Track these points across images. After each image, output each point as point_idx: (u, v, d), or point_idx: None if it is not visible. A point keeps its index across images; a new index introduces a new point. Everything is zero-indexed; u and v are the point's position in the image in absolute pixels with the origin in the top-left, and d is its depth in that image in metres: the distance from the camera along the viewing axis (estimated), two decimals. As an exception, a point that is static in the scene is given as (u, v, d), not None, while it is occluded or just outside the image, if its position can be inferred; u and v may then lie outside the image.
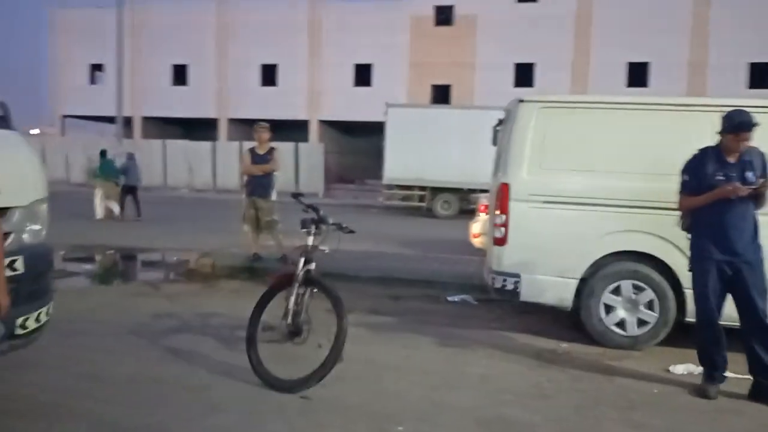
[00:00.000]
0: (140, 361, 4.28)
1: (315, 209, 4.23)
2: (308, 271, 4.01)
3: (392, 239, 11.33)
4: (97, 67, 33.72)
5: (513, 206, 5.11)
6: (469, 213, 14.47)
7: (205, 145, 28.75)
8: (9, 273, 2.85)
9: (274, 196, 7.98)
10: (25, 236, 3.20)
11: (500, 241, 5.19)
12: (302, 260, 4.03)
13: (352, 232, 4.24)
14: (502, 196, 5.16)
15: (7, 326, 2.94)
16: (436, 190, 19.10)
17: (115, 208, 13.90)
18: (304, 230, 4.16)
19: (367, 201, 23.41)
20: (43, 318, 3.28)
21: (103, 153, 14.66)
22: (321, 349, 3.83)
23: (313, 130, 30.85)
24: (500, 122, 6.00)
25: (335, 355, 3.73)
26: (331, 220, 4.20)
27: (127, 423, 3.25)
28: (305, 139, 29.49)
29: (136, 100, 31.58)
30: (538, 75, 27.82)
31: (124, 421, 3.27)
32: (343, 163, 31.36)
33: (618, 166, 4.96)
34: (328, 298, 3.87)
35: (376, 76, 29.87)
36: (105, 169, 14.27)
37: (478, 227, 8.22)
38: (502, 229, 5.15)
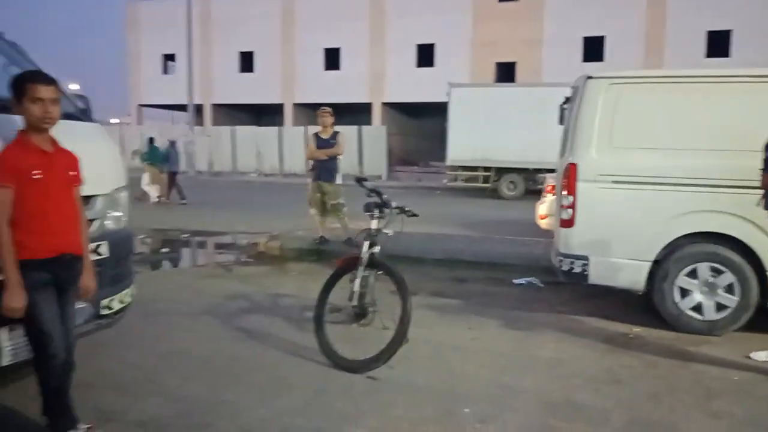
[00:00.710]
0: (215, 340, 4.47)
1: (378, 193, 4.27)
2: (372, 254, 4.07)
3: (456, 221, 11.26)
4: (169, 57, 35.05)
5: (581, 187, 4.96)
6: (535, 193, 14.17)
7: (271, 130, 29.37)
8: (94, 257, 3.04)
9: (339, 180, 8.08)
10: (108, 222, 3.41)
11: (568, 223, 5.06)
12: (366, 243, 4.10)
13: (415, 215, 4.25)
14: (570, 177, 5.02)
15: (93, 307, 3.16)
16: (501, 171, 18.76)
17: (152, 194, 14.74)
18: (368, 214, 4.24)
19: (431, 183, 23.32)
20: (126, 299, 3.50)
21: (150, 140, 15.57)
22: (386, 330, 3.89)
23: (376, 112, 30.91)
24: (567, 100, 5.82)
25: (400, 336, 3.79)
26: (394, 204, 4.23)
27: (204, 400, 3.41)
28: (368, 122, 29.59)
29: (205, 88, 32.65)
30: (608, 49, 26.64)
31: (201, 397, 3.44)
32: (406, 145, 31.30)
33: (695, 143, 4.71)
34: (393, 280, 3.92)
35: (438, 56, 29.48)
36: (150, 155, 15.14)
37: (544, 208, 8.05)
38: (570, 210, 5.02)
